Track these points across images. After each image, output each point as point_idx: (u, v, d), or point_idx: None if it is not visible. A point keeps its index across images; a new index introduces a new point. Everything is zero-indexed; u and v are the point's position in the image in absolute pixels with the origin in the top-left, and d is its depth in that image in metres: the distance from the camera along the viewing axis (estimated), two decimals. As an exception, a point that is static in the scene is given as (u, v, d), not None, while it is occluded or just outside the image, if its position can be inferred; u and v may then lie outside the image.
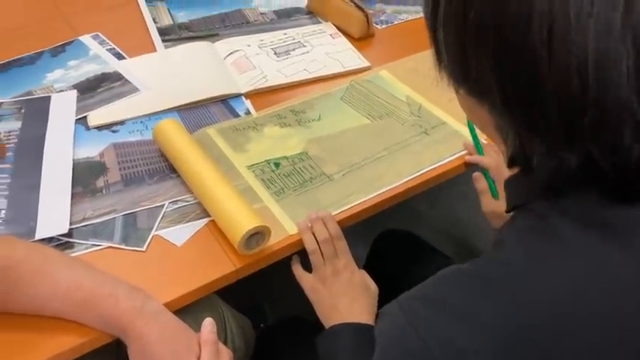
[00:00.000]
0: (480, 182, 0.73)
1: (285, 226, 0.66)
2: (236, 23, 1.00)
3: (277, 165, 0.75)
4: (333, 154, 0.77)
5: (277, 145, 0.79)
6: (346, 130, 0.82)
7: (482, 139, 0.77)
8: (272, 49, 0.96)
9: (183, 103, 0.85)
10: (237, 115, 0.84)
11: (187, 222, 0.67)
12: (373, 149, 0.78)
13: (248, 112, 0.85)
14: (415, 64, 0.94)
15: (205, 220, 0.66)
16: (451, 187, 0.98)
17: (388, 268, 0.80)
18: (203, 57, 0.95)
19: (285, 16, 1.02)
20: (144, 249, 0.63)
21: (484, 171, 0.74)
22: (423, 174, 0.73)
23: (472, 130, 0.76)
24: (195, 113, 0.84)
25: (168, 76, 0.91)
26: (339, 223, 0.66)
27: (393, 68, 0.94)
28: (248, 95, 0.89)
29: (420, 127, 0.82)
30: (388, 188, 0.71)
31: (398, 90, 0.89)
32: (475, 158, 0.74)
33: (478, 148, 0.75)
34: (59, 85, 0.85)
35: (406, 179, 0.72)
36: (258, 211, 0.66)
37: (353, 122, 0.83)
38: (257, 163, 0.75)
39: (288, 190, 0.71)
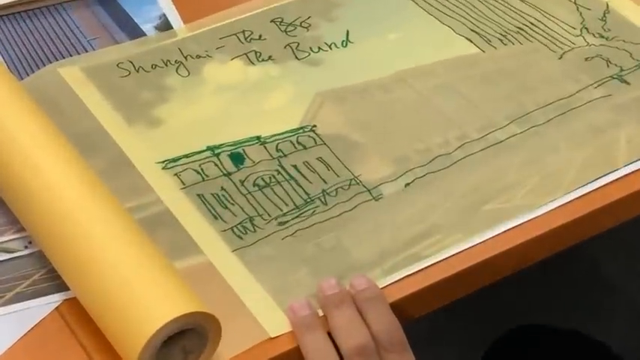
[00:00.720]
0: None
1: (259, 316, 0.66)
2: None
3: (237, 159, 0.75)
4: (380, 133, 0.77)
5: (237, 108, 0.79)
6: (416, 70, 0.82)
7: None
8: None
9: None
10: (136, 34, 0.85)
11: (12, 303, 0.67)
12: (484, 120, 0.78)
13: (165, 25, 0.86)
14: None
15: (56, 299, 0.67)
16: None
17: None
18: None
19: None
20: None
21: None
22: (615, 182, 0.74)
23: None
24: (29, 27, 0.85)
25: None
26: (397, 306, 0.67)
27: None
28: (165, -17, 0.90)
29: (607, 62, 0.82)
30: (524, 220, 0.71)
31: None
32: None
33: None
34: None
35: (571, 197, 0.73)
36: (189, 275, 0.67)
37: (434, 51, 0.83)
38: (186, 156, 0.75)
39: (266, 224, 0.71)
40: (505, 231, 0.71)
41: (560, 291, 1.12)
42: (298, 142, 0.76)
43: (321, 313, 0.65)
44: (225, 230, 0.70)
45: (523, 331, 0.90)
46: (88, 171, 0.68)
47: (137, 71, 0.81)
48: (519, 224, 0.71)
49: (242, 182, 0.73)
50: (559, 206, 0.72)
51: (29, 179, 0.67)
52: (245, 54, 0.83)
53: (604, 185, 0.74)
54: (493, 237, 0.70)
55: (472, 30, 0.85)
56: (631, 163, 0.75)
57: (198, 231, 0.70)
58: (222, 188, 0.73)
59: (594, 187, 0.73)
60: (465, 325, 0.85)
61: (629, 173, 0.75)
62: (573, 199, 0.73)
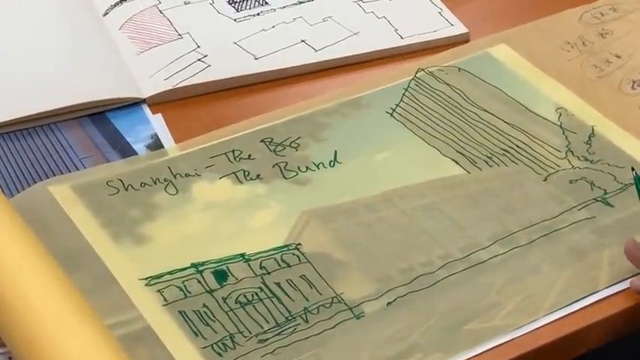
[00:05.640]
0: None
1: None
2: None
3: (220, 276, 0.75)
4: (364, 251, 0.78)
5: (224, 226, 0.80)
6: (402, 190, 0.83)
7: None
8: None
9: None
10: (128, 153, 0.86)
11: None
12: (468, 240, 0.79)
13: (156, 145, 0.87)
14: (582, 29, 0.97)
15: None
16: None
17: None
18: (48, 11, 0.99)
19: None
20: None
21: None
22: (596, 304, 0.74)
23: None
24: (22, 146, 0.86)
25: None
26: None
27: (522, 40, 0.96)
28: (158, 104, 0.91)
29: (591, 185, 0.83)
30: (504, 341, 0.71)
31: (536, 92, 0.91)
32: None
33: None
34: None
35: (552, 318, 0.73)
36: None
37: (420, 172, 0.84)
38: (170, 273, 0.76)
39: (246, 341, 0.71)
40: (485, 351, 0.70)
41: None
42: (282, 260, 0.76)
43: None
44: (205, 347, 0.70)
45: None
46: (71, 289, 0.68)
47: (126, 189, 0.82)
48: (499, 345, 0.70)
49: (224, 299, 0.73)
50: (539, 327, 0.72)
51: (11, 297, 0.67)
52: (234, 173, 0.83)
53: (585, 307, 0.73)
54: (473, 357, 0.70)
55: (458, 152, 0.85)
56: (612, 284, 0.74)
57: (178, 348, 0.70)
58: (204, 305, 0.73)
59: (575, 309, 0.73)
60: None
61: (611, 295, 0.74)
62: (554, 320, 0.72)
